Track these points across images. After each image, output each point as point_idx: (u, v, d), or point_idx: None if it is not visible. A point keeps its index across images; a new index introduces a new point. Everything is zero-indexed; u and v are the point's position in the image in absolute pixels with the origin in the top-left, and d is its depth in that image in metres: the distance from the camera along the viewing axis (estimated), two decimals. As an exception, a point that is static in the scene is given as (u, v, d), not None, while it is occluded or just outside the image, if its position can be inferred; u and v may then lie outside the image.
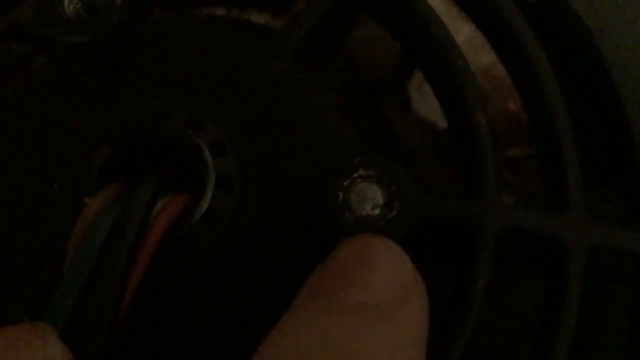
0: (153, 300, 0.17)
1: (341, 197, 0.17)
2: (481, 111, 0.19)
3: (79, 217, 0.17)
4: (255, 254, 0.18)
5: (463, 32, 0.26)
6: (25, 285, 0.18)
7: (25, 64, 0.28)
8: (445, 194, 0.24)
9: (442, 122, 0.27)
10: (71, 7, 0.20)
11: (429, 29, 0.19)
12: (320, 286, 0.16)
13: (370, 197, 0.17)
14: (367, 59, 0.27)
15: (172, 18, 0.25)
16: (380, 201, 0.17)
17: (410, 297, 0.16)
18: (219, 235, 0.18)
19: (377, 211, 0.17)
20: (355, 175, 0.18)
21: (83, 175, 0.19)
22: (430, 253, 0.21)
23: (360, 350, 0.14)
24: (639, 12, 0.22)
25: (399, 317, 0.15)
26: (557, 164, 0.19)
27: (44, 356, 0.13)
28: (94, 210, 0.17)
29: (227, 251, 0.18)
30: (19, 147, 0.20)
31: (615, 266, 0.20)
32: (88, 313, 0.15)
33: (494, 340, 0.20)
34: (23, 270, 0.18)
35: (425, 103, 0.27)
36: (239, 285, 0.18)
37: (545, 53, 0.21)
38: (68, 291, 0.16)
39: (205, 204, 0.18)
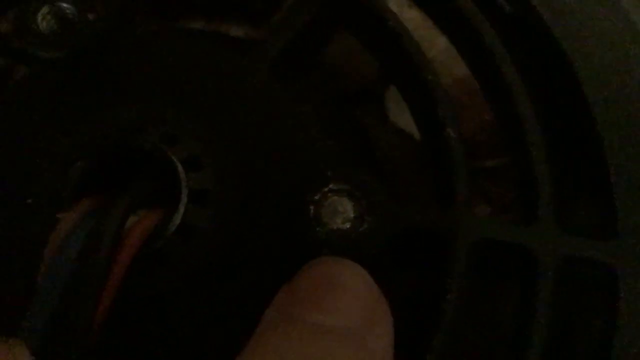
0: (129, 312, 0.17)
1: (312, 210, 0.18)
2: (452, 125, 0.19)
3: (53, 231, 0.17)
4: (230, 267, 0.19)
5: (439, 44, 0.27)
6: (1, 301, 0.18)
7: (6, 76, 0.28)
8: (422, 203, 0.24)
9: (417, 133, 0.27)
10: (44, 22, 0.20)
11: (400, 45, 0.20)
12: (287, 308, 0.16)
13: (340, 211, 0.18)
14: (346, 70, 0.27)
15: (150, 31, 0.25)
16: (351, 215, 0.18)
17: (377, 321, 0.16)
18: (194, 248, 0.18)
19: (347, 225, 0.18)
20: (326, 189, 0.18)
21: (58, 190, 0.19)
22: (404, 262, 0.21)
23: None
24: (610, 25, 0.22)
25: (368, 340, 0.15)
26: (528, 175, 0.20)
27: None
28: (67, 226, 0.17)
29: (203, 264, 0.18)
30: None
31: (587, 276, 0.20)
32: (62, 327, 0.16)
33: (471, 348, 0.20)
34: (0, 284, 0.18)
35: (404, 114, 0.27)
36: (214, 298, 0.19)
37: (517, 66, 0.21)
38: (42, 305, 0.16)
39: (177, 219, 0.18)
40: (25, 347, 0.14)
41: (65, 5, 0.20)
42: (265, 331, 0.15)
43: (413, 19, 0.25)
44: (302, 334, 0.15)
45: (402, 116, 0.27)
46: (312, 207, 0.18)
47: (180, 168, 0.19)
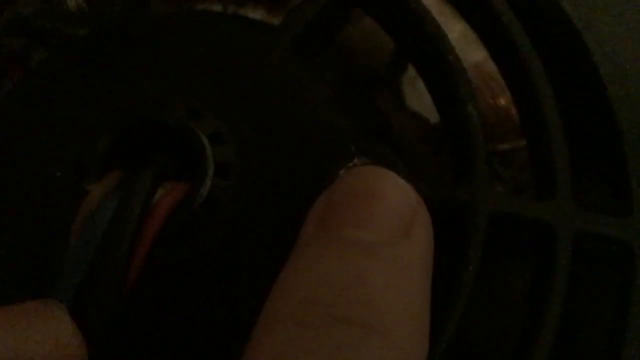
0: (156, 282, 0.18)
1: (338, 184, 0.18)
2: (473, 103, 0.19)
3: (82, 203, 0.18)
4: (253, 239, 0.19)
5: (455, 30, 0.27)
6: (31, 270, 0.19)
7: (24, 58, 0.29)
8: (440, 179, 0.25)
9: (433, 116, 0.27)
10: (72, 1, 0.21)
11: (422, 26, 0.20)
12: (324, 223, 0.16)
13: (366, 184, 0.18)
14: (362, 53, 0.28)
15: (171, 12, 0.26)
16: (376, 188, 0.18)
17: (415, 233, 0.15)
18: (218, 220, 0.19)
19: (372, 198, 0.18)
20: (351, 163, 0.18)
21: (86, 163, 0.19)
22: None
23: (367, 288, 0.14)
24: (625, 8, 0.23)
25: (404, 254, 0.15)
26: (546, 154, 0.20)
27: (56, 330, 0.14)
28: (96, 197, 0.18)
29: (227, 236, 0.19)
30: (23, 136, 0.21)
31: (601, 251, 0.20)
32: (92, 293, 0.16)
33: (484, 323, 0.21)
34: (29, 255, 0.19)
35: (418, 97, 0.28)
36: (238, 269, 0.19)
37: (535, 49, 0.21)
38: (73, 272, 0.16)
39: (205, 192, 0.19)
40: (64, 309, 0.14)
41: (92, -17, 0.20)
42: (302, 250, 0.15)
43: (431, 5, 0.26)
44: (339, 249, 0.15)
45: (417, 100, 0.28)
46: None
47: (206, 142, 0.19)
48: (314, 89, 0.21)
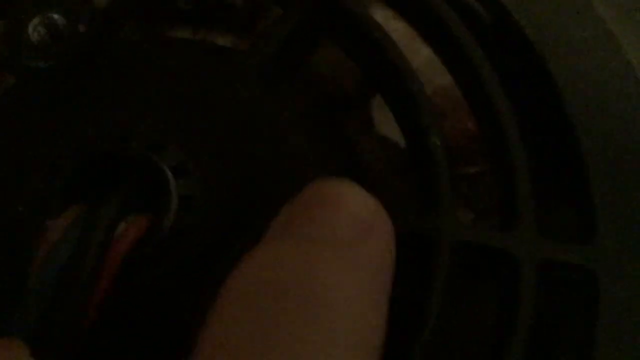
0: (118, 315, 0.18)
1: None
2: (436, 133, 0.20)
3: (41, 238, 0.18)
4: (216, 270, 0.19)
5: (423, 54, 0.27)
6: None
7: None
8: (407, 208, 0.25)
9: (402, 141, 0.28)
10: (35, 33, 0.21)
11: (385, 55, 0.20)
12: (282, 225, 0.16)
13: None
14: (331, 78, 0.28)
15: (137, 40, 0.25)
16: (337, 220, 0.18)
17: (373, 231, 0.16)
18: (182, 252, 0.19)
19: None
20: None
21: (48, 197, 0.19)
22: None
23: (322, 279, 0.15)
24: (586, 35, 0.23)
25: (361, 249, 0.15)
26: (509, 182, 0.20)
27: None
28: (58, 231, 0.18)
29: (190, 268, 0.19)
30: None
31: (568, 279, 0.20)
32: (52, 329, 0.16)
33: (455, 350, 0.21)
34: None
35: (387, 122, 0.28)
36: (202, 300, 0.19)
37: (499, 75, 0.22)
38: (33, 308, 0.16)
39: (167, 225, 0.19)
40: (24, 346, 0.14)
41: (56, 16, 0.20)
42: (262, 244, 0.16)
43: (398, 30, 0.26)
44: (298, 244, 0.15)
45: (386, 124, 0.28)
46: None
47: (170, 175, 0.19)
48: (280, 117, 0.22)
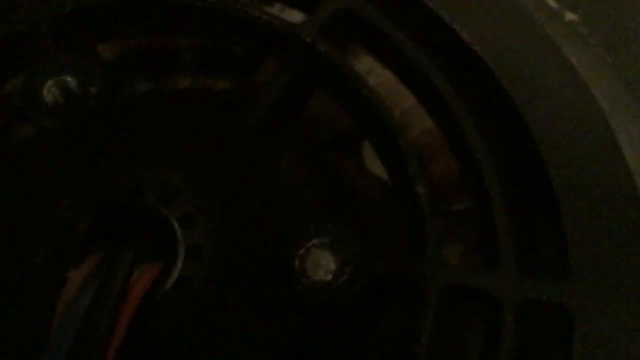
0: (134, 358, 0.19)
1: (298, 264, 0.20)
2: (422, 182, 0.21)
3: (63, 289, 0.19)
4: (223, 315, 0.21)
5: (411, 98, 0.29)
6: (19, 355, 0.20)
7: (6, 131, 0.30)
8: (396, 250, 0.26)
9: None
10: (49, 95, 0.22)
11: (373, 111, 0.22)
12: None
13: (323, 264, 0.20)
14: (325, 122, 0.30)
15: (143, 95, 0.27)
16: (333, 267, 0.20)
17: None
18: (189, 299, 0.20)
19: (329, 277, 0.20)
20: (310, 244, 0.20)
21: (64, 248, 0.21)
22: (382, 304, 0.23)
23: None
24: (560, 84, 0.25)
25: None
26: (489, 225, 0.22)
27: None
28: (76, 283, 0.19)
29: (198, 313, 0.20)
30: (2, 221, 0.22)
31: (546, 316, 0.22)
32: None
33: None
34: (17, 339, 0.20)
35: (379, 162, 0.29)
36: (208, 344, 0.20)
37: (477, 122, 0.23)
38: (56, 356, 0.18)
39: (175, 273, 0.20)
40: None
41: (69, 79, 0.22)
42: None
43: (387, 76, 0.28)
44: None
45: (377, 164, 0.29)
46: (297, 261, 0.20)
47: (177, 226, 0.21)
48: (280, 165, 0.23)
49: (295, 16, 0.26)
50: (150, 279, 0.20)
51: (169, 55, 0.30)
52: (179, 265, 0.20)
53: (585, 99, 0.24)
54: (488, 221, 0.22)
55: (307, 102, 0.27)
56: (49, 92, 0.22)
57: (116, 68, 0.27)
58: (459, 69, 0.24)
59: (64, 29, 0.24)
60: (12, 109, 0.29)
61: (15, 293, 0.21)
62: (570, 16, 0.27)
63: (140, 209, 0.21)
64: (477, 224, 0.25)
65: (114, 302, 0.19)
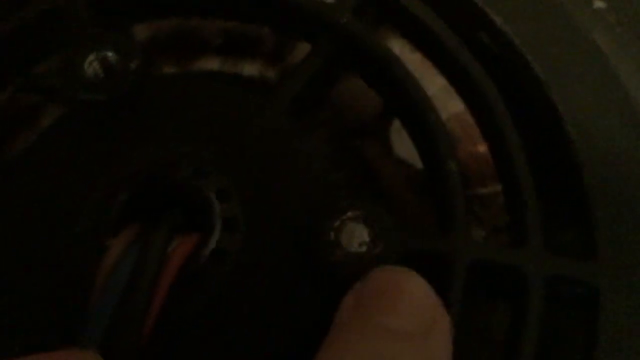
0: (169, 330, 0.20)
1: (332, 236, 0.20)
2: (452, 159, 0.22)
3: (103, 257, 0.20)
4: (257, 286, 0.21)
5: (438, 82, 0.29)
6: (60, 322, 0.20)
7: (34, 116, 0.31)
8: (423, 229, 0.27)
9: (419, 163, 0.30)
10: (90, 68, 0.23)
11: (405, 90, 0.22)
12: (358, 310, 0.18)
13: (357, 236, 0.20)
14: (352, 107, 0.30)
15: (177, 75, 0.28)
16: (367, 239, 0.20)
17: (437, 326, 0.18)
18: (225, 270, 0.21)
19: (363, 248, 0.20)
20: (344, 216, 0.20)
21: (103, 220, 0.21)
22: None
23: None
24: (588, 67, 0.25)
25: (428, 343, 0.17)
26: (518, 203, 0.22)
27: None
28: (116, 252, 0.20)
29: (233, 285, 0.21)
30: (42, 194, 0.23)
31: (573, 294, 0.22)
32: (117, 341, 0.18)
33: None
34: (58, 307, 0.21)
35: (405, 146, 0.30)
36: (244, 315, 0.21)
37: (506, 102, 0.24)
38: (98, 323, 0.18)
39: (212, 244, 0.21)
40: (97, 356, 0.16)
41: (109, 54, 0.22)
42: (340, 331, 0.18)
43: (414, 61, 0.28)
44: (373, 334, 0.17)
45: (404, 148, 0.30)
46: (332, 233, 0.20)
47: (212, 199, 0.21)
48: (308, 146, 0.24)
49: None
50: (187, 250, 0.20)
51: (198, 39, 0.31)
52: (215, 237, 0.21)
53: (612, 84, 0.25)
54: (516, 202, 0.22)
55: (336, 84, 0.28)
56: (90, 66, 0.23)
57: (146, 50, 0.27)
58: (491, 51, 0.25)
59: (101, 5, 0.24)
60: (44, 90, 0.29)
61: (54, 264, 0.21)
62: (598, 4, 0.27)
63: (177, 182, 0.22)
64: (504, 206, 0.25)
65: (154, 272, 0.19)
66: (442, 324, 0.18)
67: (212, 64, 0.32)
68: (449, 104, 0.30)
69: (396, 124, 0.31)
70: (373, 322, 0.17)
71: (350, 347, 0.17)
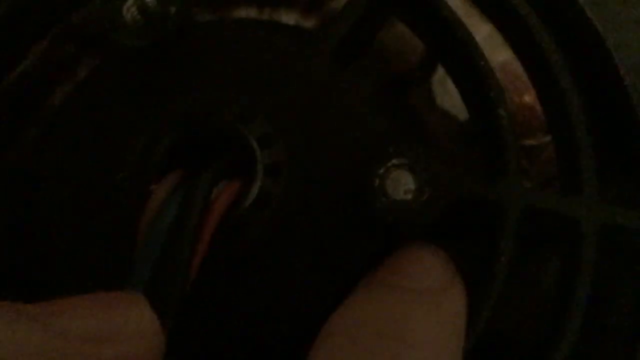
0: (213, 275, 0.20)
1: (377, 183, 0.20)
2: (503, 105, 0.21)
3: (147, 202, 0.20)
4: (301, 234, 0.21)
5: (482, 31, 0.28)
6: (104, 267, 0.20)
7: (73, 65, 0.30)
8: (472, 176, 0.26)
9: (462, 115, 0.29)
10: (129, 14, 0.22)
11: (454, 33, 0.21)
12: (377, 275, 0.19)
13: (403, 183, 0.20)
14: (394, 56, 0.29)
15: (217, 21, 0.27)
16: (412, 187, 0.20)
17: (452, 287, 0.19)
18: (268, 216, 0.20)
19: (409, 196, 0.19)
20: (390, 163, 0.20)
21: (147, 165, 0.21)
22: (460, 231, 0.23)
23: (406, 326, 0.18)
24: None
25: (442, 302, 0.18)
26: (571, 150, 0.21)
27: (137, 316, 0.15)
28: (160, 196, 0.20)
29: (276, 231, 0.20)
30: (85, 140, 0.22)
31: (627, 243, 0.22)
32: (162, 284, 0.18)
33: (517, 311, 0.22)
34: (101, 252, 0.21)
35: (448, 97, 0.29)
36: (287, 262, 0.21)
37: (560, 48, 0.23)
38: (142, 268, 0.18)
39: (255, 190, 0.20)
40: (145, 299, 0.16)
41: (147, -1, 0.22)
42: (357, 293, 0.19)
43: (458, 8, 0.27)
44: (386, 294, 0.18)
45: (447, 100, 0.29)
46: (377, 180, 0.20)
47: (255, 145, 0.21)
48: (352, 93, 0.23)
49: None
50: (230, 195, 0.20)
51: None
52: (258, 182, 0.20)
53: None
54: (571, 150, 0.22)
55: (378, 33, 0.27)
56: (129, 11, 0.22)
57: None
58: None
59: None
60: (83, 38, 0.29)
61: (99, 210, 0.21)
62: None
63: (221, 127, 0.21)
64: (552, 157, 0.25)
65: (198, 217, 0.19)
66: (457, 287, 0.19)
67: (248, 12, 0.31)
68: (494, 54, 0.29)
69: (439, 75, 0.30)
70: (388, 283, 0.19)
71: (363, 306, 0.19)
